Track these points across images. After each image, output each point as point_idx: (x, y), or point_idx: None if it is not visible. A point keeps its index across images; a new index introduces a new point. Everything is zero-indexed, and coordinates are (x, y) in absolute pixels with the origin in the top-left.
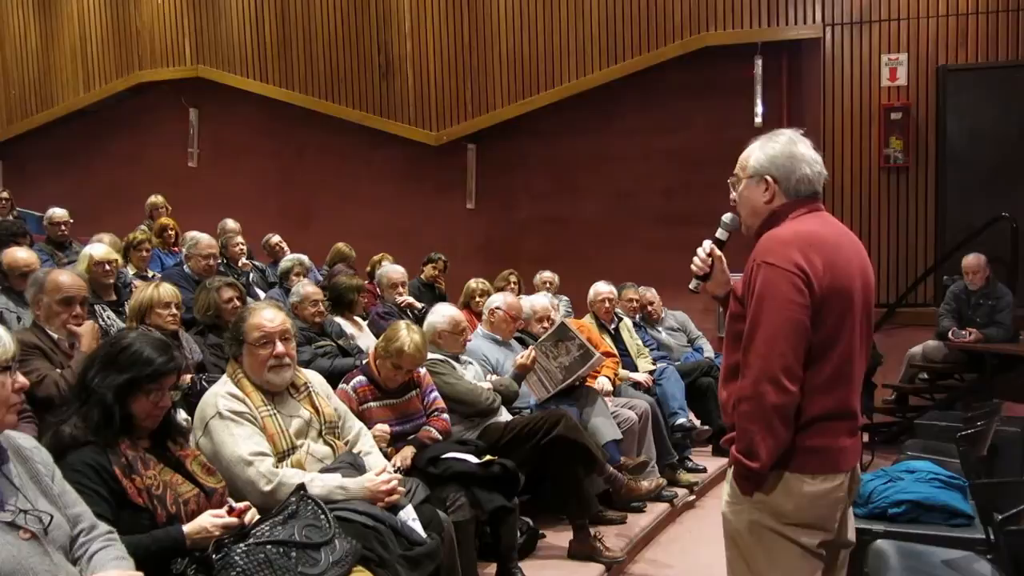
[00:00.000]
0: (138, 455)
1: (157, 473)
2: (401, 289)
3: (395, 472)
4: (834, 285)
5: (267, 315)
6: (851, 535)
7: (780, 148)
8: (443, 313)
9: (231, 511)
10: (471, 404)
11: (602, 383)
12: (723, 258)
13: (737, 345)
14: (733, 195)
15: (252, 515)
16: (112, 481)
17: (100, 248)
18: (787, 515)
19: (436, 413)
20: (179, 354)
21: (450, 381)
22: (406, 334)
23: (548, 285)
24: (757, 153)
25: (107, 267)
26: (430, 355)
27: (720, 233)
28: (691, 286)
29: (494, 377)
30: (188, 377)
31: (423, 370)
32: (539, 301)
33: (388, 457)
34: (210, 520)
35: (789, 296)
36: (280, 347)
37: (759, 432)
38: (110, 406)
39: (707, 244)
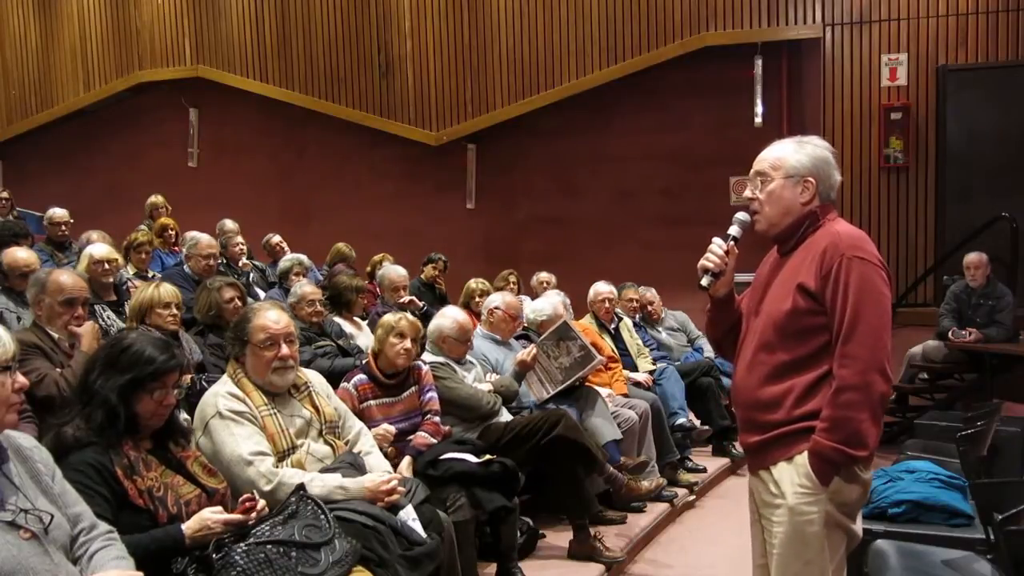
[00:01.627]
0: (140, 456)
1: (159, 475)
2: (402, 292)
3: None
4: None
5: (272, 316)
6: None
7: (820, 152)
8: (452, 318)
9: (249, 500)
10: (472, 409)
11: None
12: (736, 255)
13: (800, 339)
14: (751, 192)
15: (262, 505)
16: (113, 482)
17: (101, 248)
18: (849, 504)
19: (429, 415)
20: (179, 352)
21: (451, 385)
22: (394, 315)
23: (546, 286)
24: (796, 155)
25: (106, 266)
26: (432, 357)
27: (734, 230)
28: (703, 282)
29: (494, 377)
30: (188, 377)
31: (425, 368)
32: (556, 299)
33: (387, 457)
34: (211, 516)
35: (882, 290)
36: (285, 349)
37: (867, 420)
38: (115, 407)
39: (721, 241)
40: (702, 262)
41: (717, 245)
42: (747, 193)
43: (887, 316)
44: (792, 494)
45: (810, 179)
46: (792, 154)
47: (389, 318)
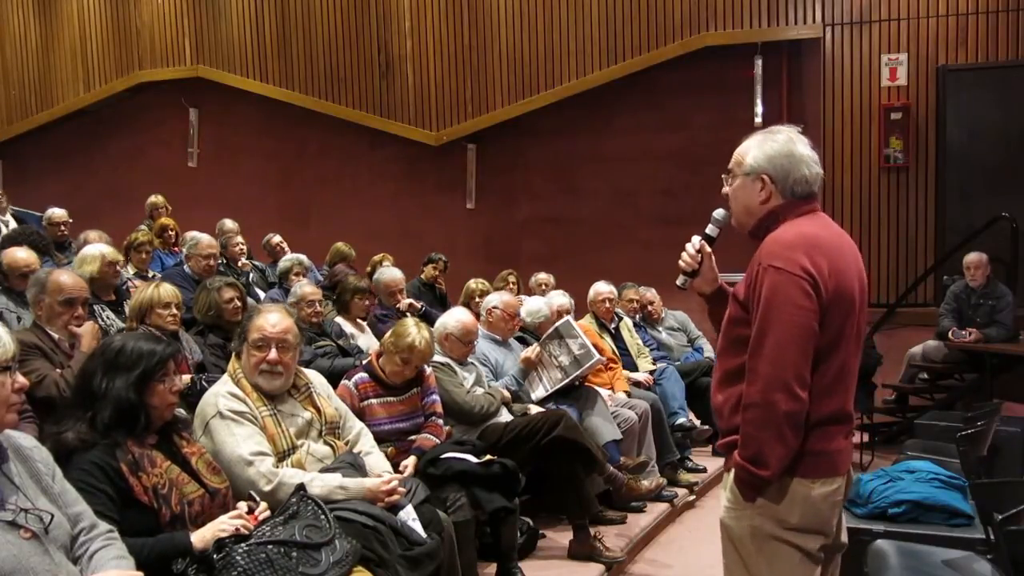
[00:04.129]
0: (145, 452)
1: (164, 470)
2: (399, 296)
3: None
4: (839, 288)
5: (271, 319)
6: (843, 537)
7: (779, 147)
8: (458, 318)
9: (250, 512)
10: (465, 413)
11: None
12: (712, 255)
13: (736, 349)
14: (726, 189)
15: (263, 508)
16: (118, 479)
17: (109, 248)
18: (789, 520)
19: (432, 417)
20: (168, 339)
21: (447, 388)
22: (416, 331)
23: (544, 287)
24: (755, 151)
25: (117, 268)
26: (433, 356)
27: (710, 229)
28: (678, 282)
29: (497, 383)
30: (188, 377)
31: (429, 370)
32: (555, 300)
33: (387, 457)
34: (222, 523)
35: (798, 301)
36: (274, 354)
37: (769, 440)
38: (134, 404)
39: (696, 240)
40: (679, 261)
41: (691, 245)
42: (724, 190)
43: (800, 329)
44: (722, 507)
45: (764, 176)
46: (752, 149)
47: (411, 338)
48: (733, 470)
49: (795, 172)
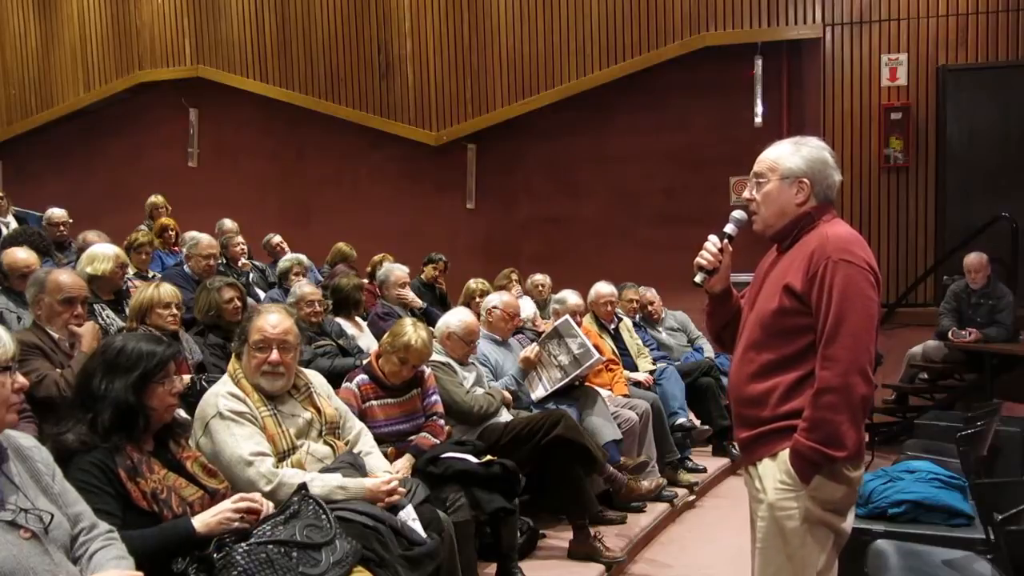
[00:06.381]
0: (143, 458)
1: (161, 477)
2: (407, 287)
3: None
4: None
5: (271, 320)
6: None
7: (816, 153)
8: (461, 318)
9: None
10: (465, 413)
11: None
12: (730, 253)
13: (785, 339)
14: (749, 193)
15: (263, 504)
16: (117, 484)
17: (119, 249)
18: (834, 502)
19: (434, 417)
20: (170, 340)
21: (447, 387)
22: (412, 330)
23: (541, 288)
24: (792, 156)
25: (125, 269)
26: (433, 356)
27: (730, 228)
28: (697, 279)
29: (496, 384)
30: (188, 377)
31: (428, 371)
32: (570, 299)
33: (386, 457)
34: (224, 515)
35: (868, 293)
36: (275, 355)
37: (846, 421)
38: (132, 405)
39: (716, 239)
40: (697, 259)
41: (712, 243)
42: (745, 194)
43: (871, 319)
44: (772, 490)
45: (805, 180)
46: (788, 156)
47: (407, 337)
48: (790, 453)
49: (829, 177)
